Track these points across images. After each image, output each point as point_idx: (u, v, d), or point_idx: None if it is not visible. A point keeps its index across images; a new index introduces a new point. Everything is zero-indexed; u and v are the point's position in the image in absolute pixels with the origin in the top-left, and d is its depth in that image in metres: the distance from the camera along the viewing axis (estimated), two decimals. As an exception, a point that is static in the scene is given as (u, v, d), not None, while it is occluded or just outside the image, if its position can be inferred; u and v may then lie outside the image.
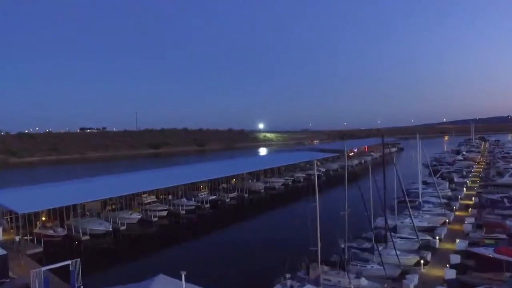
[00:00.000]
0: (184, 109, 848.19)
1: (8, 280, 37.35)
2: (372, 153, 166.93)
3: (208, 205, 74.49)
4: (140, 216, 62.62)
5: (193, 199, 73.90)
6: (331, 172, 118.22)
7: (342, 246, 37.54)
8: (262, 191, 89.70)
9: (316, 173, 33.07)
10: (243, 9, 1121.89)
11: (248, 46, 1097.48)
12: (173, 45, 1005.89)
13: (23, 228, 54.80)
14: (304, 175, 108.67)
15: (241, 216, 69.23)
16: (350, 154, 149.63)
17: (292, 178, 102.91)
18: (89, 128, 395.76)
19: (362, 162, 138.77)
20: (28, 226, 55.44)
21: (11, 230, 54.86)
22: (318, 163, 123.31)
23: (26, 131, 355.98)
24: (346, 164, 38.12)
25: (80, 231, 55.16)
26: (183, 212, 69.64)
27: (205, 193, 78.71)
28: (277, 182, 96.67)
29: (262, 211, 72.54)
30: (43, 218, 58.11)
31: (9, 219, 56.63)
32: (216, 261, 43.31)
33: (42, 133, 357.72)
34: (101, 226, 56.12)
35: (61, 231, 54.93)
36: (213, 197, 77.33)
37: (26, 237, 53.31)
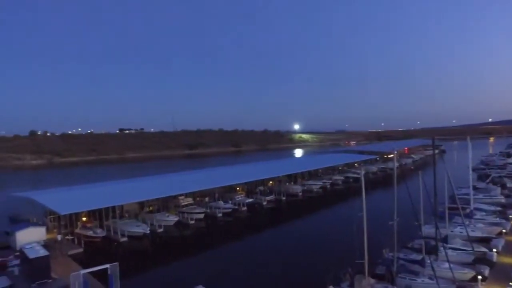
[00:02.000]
0: (220, 110, 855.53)
1: (50, 280, 37.94)
2: (412, 155, 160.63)
3: (245, 208, 73.39)
4: (177, 219, 62.27)
5: (230, 201, 72.97)
6: (370, 174, 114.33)
7: (388, 256, 35.16)
8: (300, 194, 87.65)
9: (363, 183, 30.53)
10: (278, 9, 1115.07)
11: (284, 46, 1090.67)
12: (210, 48, 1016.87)
13: (65, 228, 56.45)
14: (342, 177, 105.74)
15: (279, 220, 67.39)
16: (390, 156, 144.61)
17: (330, 181, 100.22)
18: (128, 129, 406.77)
19: (403, 164, 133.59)
20: (70, 226, 56.98)
21: (54, 230, 55.98)
22: (357, 165, 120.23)
23: (70, 132, 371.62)
24: (395, 168, 35.31)
25: (119, 232, 55.53)
26: (220, 215, 68.86)
27: (241, 195, 77.70)
28: (315, 185, 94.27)
29: (300, 215, 70.31)
30: (83, 219, 59.01)
31: (52, 219, 57.79)
32: (254, 268, 41.78)
33: (84, 134, 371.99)
34: (139, 228, 56.18)
35: (100, 232, 55.57)
36: (250, 200, 76.12)
37: (67, 237, 54.59)
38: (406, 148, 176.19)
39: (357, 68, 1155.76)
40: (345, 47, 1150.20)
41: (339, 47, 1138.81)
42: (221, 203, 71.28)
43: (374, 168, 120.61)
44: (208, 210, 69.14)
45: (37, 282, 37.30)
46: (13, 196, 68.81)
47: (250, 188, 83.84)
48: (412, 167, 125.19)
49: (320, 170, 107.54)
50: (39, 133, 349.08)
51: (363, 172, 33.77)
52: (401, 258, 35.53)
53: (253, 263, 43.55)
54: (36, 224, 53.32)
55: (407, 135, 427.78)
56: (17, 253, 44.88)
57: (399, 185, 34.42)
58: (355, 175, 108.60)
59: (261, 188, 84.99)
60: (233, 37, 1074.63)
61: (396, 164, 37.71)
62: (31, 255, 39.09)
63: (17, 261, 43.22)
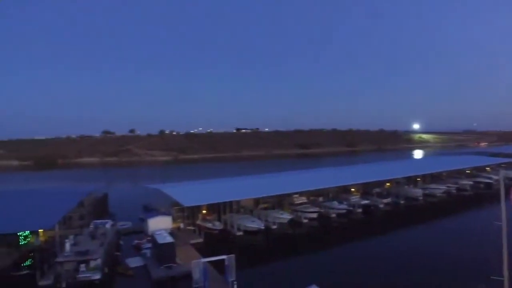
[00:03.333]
0: (334, 110, 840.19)
1: (175, 265, 41.43)
2: None
3: (360, 210, 70.77)
4: (290, 217, 62.75)
5: (344, 202, 70.98)
6: (506, 180, 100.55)
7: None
8: (420, 198, 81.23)
9: (502, 187, 26.36)
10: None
11: (403, 37, 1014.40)
12: (320, 43, 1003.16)
13: (187, 219, 61.35)
14: (471, 182, 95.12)
15: (396, 224, 63.08)
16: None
17: (456, 186, 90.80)
18: (244, 129, 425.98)
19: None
20: (192, 217, 61.86)
21: (178, 220, 61.10)
22: (488, 169, 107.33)
23: (192, 131, 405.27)
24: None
25: (235, 226, 58.07)
26: (334, 215, 67.46)
27: (357, 197, 74.99)
28: (438, 189, 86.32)
29: (421, 221, 64.81)
30: (204, 212, 63.14)
31: (176, 210, 63.05)
32: (366, 274, 39.66)
33: (204, 133, 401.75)
34: (254, 224, 57.92)
35: (218, 225, 58.95)
36: (366, 201, 73.02)
37: (189, 227, 59.44)
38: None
39: (486, 58, 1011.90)
40: (472, 34, 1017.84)
41: (465, 34, 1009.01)
42: (335, 203, 69.75)
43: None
44: (322, 210, 68.24)
45: (164, 265, 41.10)
46: (147, 187, 77.04)
47: (366, 189, 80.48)
48: None
49: (444, 173, 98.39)
50: (167, 132, 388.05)
51: (502, 175, 29.29)
52: None
53: (366, 269, 41.36)
54: (164, 214, 58.65)
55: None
56: (149, 238, 50.10)
57: None
58: (487, 180, 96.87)
59: (378, 190, 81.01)
60: (346, 31, 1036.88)
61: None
62: (160, 240, 43.17)
63: (148, 245, 48.27)
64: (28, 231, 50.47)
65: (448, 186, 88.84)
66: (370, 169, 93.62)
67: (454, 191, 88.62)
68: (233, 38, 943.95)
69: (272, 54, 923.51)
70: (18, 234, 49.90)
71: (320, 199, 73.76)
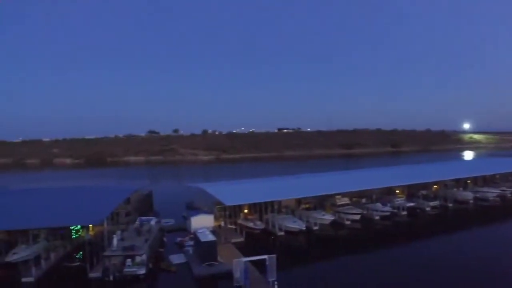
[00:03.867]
0: (378, 109, 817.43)
1: (216, 263, 41.99)
2: None
3: (405, 213, 68.45)
4: (332, 218, 61.80)
5: (388, 204, 68.95)
6: None
7: None
8: (471, 202, 77.31)
9: None
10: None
11: (449, 35, 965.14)
12: (366, 42, 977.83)
13: (229, 218, 62.08)
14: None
15: (443, 229, 60.07)
16: None
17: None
18: (286, 129, 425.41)
19: None
20: (233, 216, 62.67)
21: (220, 219, 61.95)
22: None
23: (234, 131, 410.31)
24: None
25: (276, 226, 57.98)
26: (377, 217, 65.66)
27: (401, 199, 72.59)
28: (491, 192, 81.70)
29: (471, 226, 61.63)
30: (245, 211, 63.60)
31: (218, 209, 63.97)
32: (413, 278, 38.19)
33: (246, 133, 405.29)
34: (296, 224, 57.60)
35: (259, 225, 59.15)
36: (411, 204, 70.55)
37: (230, 226, 60.11)
38: None
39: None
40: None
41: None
42: (378, 205, 67.90)
43: None
44: (365, 212, 66.69)
45: (206, 263, 41.80)
46: (189, 186, 78.71)
47: (412, 191, 77.69)
48: None
49: (497, 176, 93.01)
50: (209, 132, 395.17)
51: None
52: None
53: (412, 273, 39.77)
54: (206, 212, 59.62)
55: None
56: (191, 236, 51.19)
57: None
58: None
59: (424, 192, 77.98)
60: (391, 30, 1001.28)
61: None
62: (202, 238, 43.97)
63: (191, 242, 49.34)
64: (80, 226, 53.28)
65: (502, 190, 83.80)
66: (416, 170, 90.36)
67: (510, 195, 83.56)
68: (269, 35, 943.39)
69: (314, 54, 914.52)
70: (71, 228, 52.83)
71: (363, 200, 72.06)
